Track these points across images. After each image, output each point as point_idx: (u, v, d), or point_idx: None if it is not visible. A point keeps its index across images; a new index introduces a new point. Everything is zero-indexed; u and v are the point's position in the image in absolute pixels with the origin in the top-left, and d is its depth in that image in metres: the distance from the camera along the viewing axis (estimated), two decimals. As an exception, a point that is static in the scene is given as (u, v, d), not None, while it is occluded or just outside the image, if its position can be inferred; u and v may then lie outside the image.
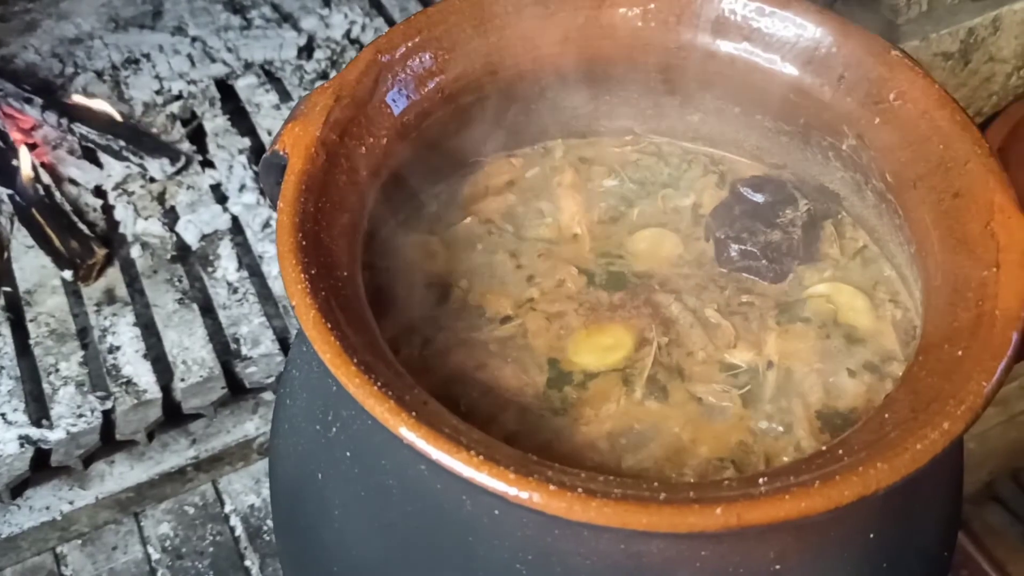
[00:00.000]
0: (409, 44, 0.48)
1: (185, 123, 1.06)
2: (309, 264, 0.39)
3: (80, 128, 1.01)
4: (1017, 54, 0.92)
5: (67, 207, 0.96)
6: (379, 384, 0.35)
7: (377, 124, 0.46)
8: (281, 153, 0.43)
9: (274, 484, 0.52)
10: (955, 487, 0.46)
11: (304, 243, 0.39)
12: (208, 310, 0.92)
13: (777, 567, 0.38)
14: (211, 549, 0.83)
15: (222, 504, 0.86)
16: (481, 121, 0.53)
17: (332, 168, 0.43)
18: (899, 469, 0.34)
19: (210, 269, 0.94)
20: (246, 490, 0.86)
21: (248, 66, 1.12)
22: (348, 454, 0.42)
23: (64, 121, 1.01)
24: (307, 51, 1.14)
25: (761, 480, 0.35)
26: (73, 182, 1.00)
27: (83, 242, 0.92)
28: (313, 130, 0.43)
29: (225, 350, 0.89)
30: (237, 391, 0.87)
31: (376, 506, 0.41)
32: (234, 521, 0.85)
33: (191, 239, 0.96)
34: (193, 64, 1.11)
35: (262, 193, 0.98)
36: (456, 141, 0.53)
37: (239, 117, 1.08)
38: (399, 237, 0.52)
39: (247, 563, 0.82)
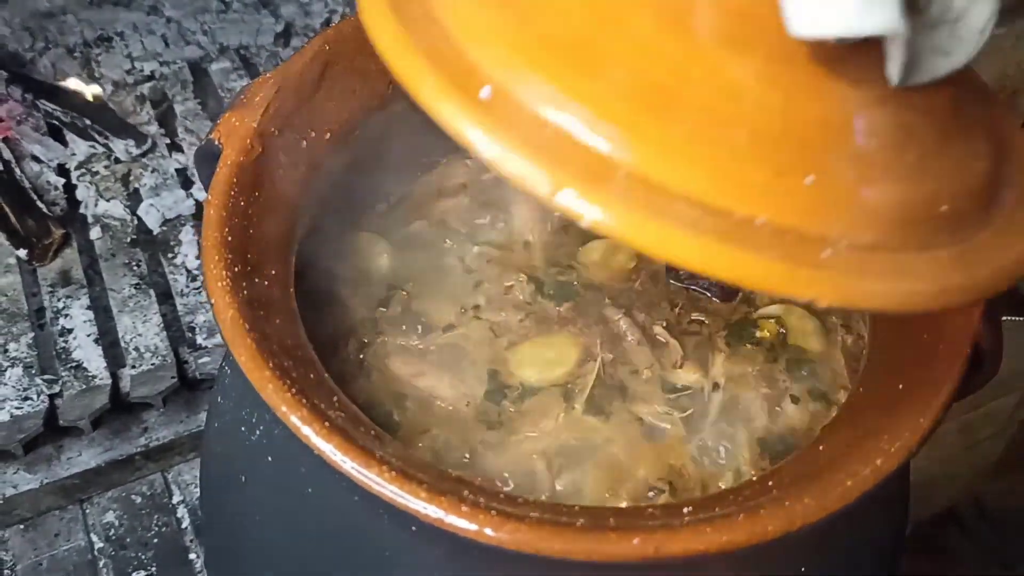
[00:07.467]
0: (361, 36, 0.46)
1: (155, 105, 1.04)
2: (233, 261, 0.37)
3: (46, 105, 0.99)
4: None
5: (27, 184, 0.93)
6: (294, 390, 0.34)
7: (321, 118, 0.44)
8: (217, 143, 0.41)
9: (203, 483, 0.50)
10: (896, 523, 0.45)
11: (230, 239, 0.38)
12: (166, 297, 0.90)
13: (702, 599, 0.36)
14: (156, 540, 0.81)
15: (170, 495, 0.84)
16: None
17: (268, 161, 0.41)
18: (826, 506, 0.32)
19: (170, 255, 0.92)
20: (196, 482, 0.84)
21: (223, 50, 1.10)
22: (270, 459, 0.41)
23: (30, 96, 0.99)
24: (284, 38, 1.12)
25: (686, 510, 0.33)
26: (36, 159, 0.97)
27: (40, 221, 0.90)
28: (250, 121, 0.41)
29: (180, 339, 0.87)
30: (189, 381, 0.85)
31: (295, 515, 0.40)
32: (181, 512, 0.83)
33: (152, 223, 0.93)
34: (167, 45, 1.09)
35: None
36: (410, 140, 0.52)
37: (211, 102, 1.06)
38: (345, 236, 0.51)
39: (191, 556, 0.80)
